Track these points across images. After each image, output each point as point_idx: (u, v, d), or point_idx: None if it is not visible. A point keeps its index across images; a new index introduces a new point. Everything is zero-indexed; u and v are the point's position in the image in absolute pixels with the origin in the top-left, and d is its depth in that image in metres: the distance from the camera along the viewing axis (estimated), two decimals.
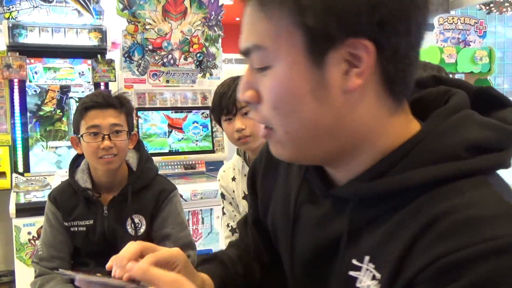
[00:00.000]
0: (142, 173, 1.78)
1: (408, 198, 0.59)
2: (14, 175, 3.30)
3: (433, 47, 4.93)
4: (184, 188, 3.08)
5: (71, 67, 3.58)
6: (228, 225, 1.91)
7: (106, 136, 1.65)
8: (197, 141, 3.80)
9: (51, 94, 3.51)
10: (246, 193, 1.82)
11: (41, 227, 2.85)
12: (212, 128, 3.86)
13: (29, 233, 2.89)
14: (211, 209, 3.41)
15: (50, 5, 3.53)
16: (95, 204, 1.74)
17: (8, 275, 3.57)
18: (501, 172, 0.63)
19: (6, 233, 3.44)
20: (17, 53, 3.37)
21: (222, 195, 1.95)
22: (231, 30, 5.92)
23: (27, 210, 2.89)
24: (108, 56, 3.70)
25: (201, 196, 3.29)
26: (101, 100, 1.67)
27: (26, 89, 3.44)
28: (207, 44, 3.85)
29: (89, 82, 3.62)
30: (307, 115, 0.60)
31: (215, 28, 3.88)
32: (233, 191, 1.89)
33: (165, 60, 3.71)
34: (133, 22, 3.60)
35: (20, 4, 3.46)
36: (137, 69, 3.62)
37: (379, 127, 0.62)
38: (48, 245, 1.75)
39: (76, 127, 1.70)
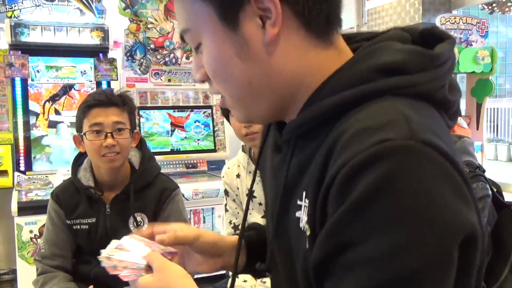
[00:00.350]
0: (145, 172, 1.78)
1: (329, 126, 0.61)
2: (16, 173, 3.31)
3: None
4: (185, 187, 3.09)
5: (73, 66, 3.59)
6: (230, 222, 1.91)
7: (108, 134, 1.65)
8: (198, 140, 3.80)
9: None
10: (250, 190, 1.85)
11: (43, 225, 2.86)
12: (214, 127, 3.86)
13: (31, 231, 2.89)
14: (212, 208, 3.42)
15: (52, 4, 3.54)
16: (97, 202, 1.74)
17: (10, 273, 3.58)
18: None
19: (8, 231, 3.45)
20: (19, 52, 3.37)
21: (226, 192, 1.94)
22: None
23: (29, 208, 2.90)
24: (110, 55, 3.70)
25: (202, 195, 3.29)
26: (103, 98, 1.67)
27: (28, 87, 3.44)
28: None
29: (91, 81, 3.62)
30: (239, 76, 0.66)
31: None
32: (237, 188, 1.89)
33: (167, 59, 3.72)
34: (135, 21, 3.60)
35: (22, 3, 3.46)
36: (139, 68, 3.62)
37: (309, 68, 0.65)
38: (50, 243, 1.75)
39: (79, 126, 1.70)
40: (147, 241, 0.88)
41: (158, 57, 3.69)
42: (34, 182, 3.24)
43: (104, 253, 0.88)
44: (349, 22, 4.41)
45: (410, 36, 0.68)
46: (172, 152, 3.68)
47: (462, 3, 5.70)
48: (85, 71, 3.61)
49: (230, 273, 1.80)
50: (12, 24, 3.37)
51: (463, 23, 5.03)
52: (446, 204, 0.54)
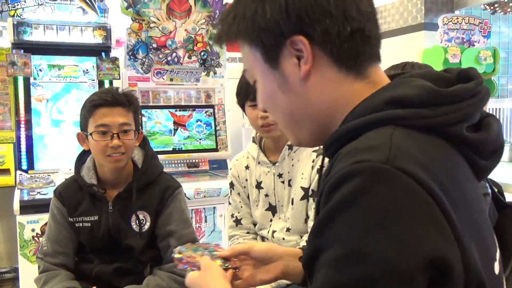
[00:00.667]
0: (147, 170, 1.79)
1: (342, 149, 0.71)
2: (18, 172, 3.31)
3: (437, 47, 4.92)
4: (187, 187, 3.08)
5: (75, 65, 3.59)
6: (232, 215, 1.92)
7: (115, 135, 1.65)
8: (200, 139, 3.81)
9: None
10: (259, 181, 1.85)
11: (45, 224, 2.87)
12: (215, 126, 3.86)
13: (33, 230, 2.90)
14: (214, 208, 3.42)
15: (55, 3, 3.54)
16: (100, 200, 1.75)
17: (12, 272, 3.59)
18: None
19: (10, 230, 3.46)
20: (22, 51, 3.38)
21: (232, 185, 1.94)
22: None
23: (31, 207, 2.90)
24: (113, 54, 3.71)
25: (204, 194, 3.29)
26: (110, 98, 1.66)
27: (31, 86, 3.45)
28: (211, 42, 3.85)
29: (94, 80, 3.62)
30: (282, 106, 0.80)
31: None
32: (246, 180, 1.89)
33: (169, 58, 3.72)
34: (137, 20, 3.60)
35: (25, 2, 3.47)
36: (141, 67, 3.62)
37: (343, 99, 0.75)
38: (53, 241, 1.75)
39: (84, 124, 1.70)
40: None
41: (160, 56, 3.69)
42: (36, 180, 3.24)
43: (180, 248, 1.14)
44: None
45: (448, 76, 0.76)
46: (174, 151, 3.68)
47: (465, 3, 5.69)
48: (87, 70, 3.62)
49: None
50: (15, 22, 3.37)
51: (466, 23, 5.02)
52: (406, 226, 0.59)
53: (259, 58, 0.78)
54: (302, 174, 1.78)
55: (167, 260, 1.76)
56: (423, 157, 0.64)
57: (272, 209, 1.83)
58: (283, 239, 1.78)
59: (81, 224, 1.75)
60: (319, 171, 1.76)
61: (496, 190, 1.66)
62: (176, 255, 1.11)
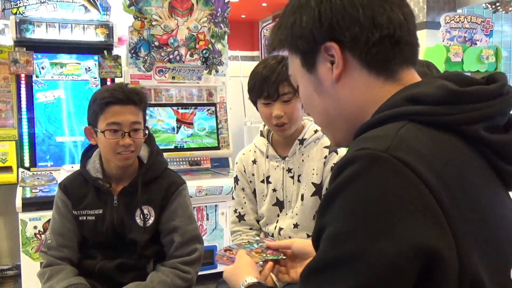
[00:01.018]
0: (153, 166, 1.79)
1: None
2: (21, 169, 3.32)
3: (439, 45, 4.91)
4: (189, 184, 3.05)
5: (77, 63, 3.60)
6: (236, 211, 1.89)
7: (126, 134, 1.66)
8: (202, 137, 3.81)
9: None
10: (267, 176, 1.82)
11: (47, 221, 2.89)
12: (217, 125, 3.86)
13: (35, 227, 2.90)
14: (215, 206, 3.42)
15: (57, 1, 3.55)
16: (105, 194, 1.75)
17: (14, 269, 3.60)
18: None
19: (12, 227, 3.47)
20: (24, 48, 3.38)
21: (236, 180, 1.91)
22: (237, 27, 5.91)
23: (33, 204, 2.91)
24: (115, 52, 3.71)
25: (206, 192, 3.30)
26: (122, 96, 1.66)
27: (33, 84, 3.45)
28: (213, 40, 3.85)
29: (96, 78, 3.63)
30: (318, 108, 0.87)
31: (221, 25, 3.88)
32: (252, 174, 1.86)
33: (171, 56, 3.72)
34: (139, 18, 3.60)
35: (27, 0, 3.47)
36: (143, 65, 3.63)
37: (373, 100, 0.79)
38: (57, 234, 1.75)
39: (94, 120, 1.70)
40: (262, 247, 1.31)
41: (162, 54, 3.69)
42: (38, 178, 3.25)
43: (231, 244, 1.33)
44: None
45: (479, 80, 0.79)
46: (176, 149, 3.69)
47: (467, 2, 5.68)
48: (89, 68, 3.62)
49: None
50: (17, 20, 3.38)
51: (468, 22, 5.01)
52: (394, 211, 0.62)
53: (298, 64, 0.86)
54: (313, 169, 1.76)
55: (170, 255, 1.76)
56: (427, 152, 0.67)
57: (280, 204, 1.81)
58: (289, 237, 1.75)
59: (85, 218, 1.75)
60: (333, 168, 1.74)
61: None
62: (221, 251, 1.29)
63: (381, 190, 0.63)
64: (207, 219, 3.41)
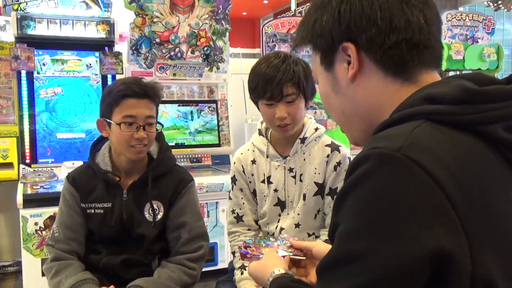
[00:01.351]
0: (162, 161, 1.79)
1: None
2: (22, 166, 3.32)
3: None
4: None
5: (78, 59, 3.59)
6: (233, 211, 1.85)
7: (141, 127, 1.66)
8: (203, 134, 3.81)
9: None
10: (268, 176, 1.78)
11: (48, 217, 2.89)
12: (218, 122, 3.86)
13: (36, 223, 2.91)
14: (216, 203, 3.43)
15: None
16: (114, 187, 1.75)
17: (15, 265, 3.61)
18: None
19: (13, 223, 3.47)
20: (25, 45, 3.38)
21: (234, 180, 1.86)
22: (238, 25, 5.91)
23: (34, 201, 2.92)
24: (116, 48, 3.71)
25: (206, 189, 3.30)
26: (138, 90, 1.66)
27: (34, 80, 3.45)
28: (214, 37, 3.85)
29: (97, 74, 3.63)
30: (335, 106, 0.88)
31: (223, 22, 3.88)
32: (252, 175, 1.82)
33: (172, 53, 3.72)
34: (140, 15, 3.60)
35: None
36: (144, 62, 3.62)
37: (389, 101, 0.80)
38: (64, 226, 1.73)
39: (107, 112, 1.70)
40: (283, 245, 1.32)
41: (164, 51, 3.69)
42: (39, 174, 3.25)
43: (246, 240, 1.36)
44: None
45: (499, 80, 0.78)
46: (177, 146, 3.69)
47: (469, 0, 5.66)
48: (90, 64, 3.62)
49: (232, 267, 1.85)
50: (18, 17, 3.37)
51: (469, 19, 5.01)
52: (404, 209, 0.63)
53: (317, 61, 0.88)
54: (316, 169, 1.73)
55: (176, 251, 1.76)
56: (442, 151, 0.67)
57: (281, 204, 1.77)
58: None
59: (93, 211, 1.74)
60: (336, 168, 1.71)
61: None
62: (241, 249, 1.31)
63: (392, 189, 0.64)
64: (208, 216, 3.42)
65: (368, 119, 0.83)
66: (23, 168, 3.30)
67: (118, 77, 3.64)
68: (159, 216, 1.75)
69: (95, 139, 1.88)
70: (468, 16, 5.02)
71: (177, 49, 3.74)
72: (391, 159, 0.65)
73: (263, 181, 1.80)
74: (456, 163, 0.66)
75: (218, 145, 3.84)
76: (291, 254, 1.29)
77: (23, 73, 3.39)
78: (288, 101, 1.63)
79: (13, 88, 3.43)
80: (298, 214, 1.74)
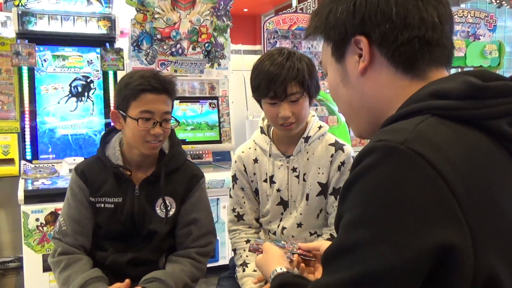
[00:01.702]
0: (174, 156, 1.77)
1: None
2: (23, 162, 3.32)
3: None
4: None
5: (79, 55, 3.59)
6: (234, 210, 1.83)
7: (157, 123, 1.64)
8: (204, 131, 3.81)
9: None
10: (271, 175, 1.74)
11: (49, 213, 2.90)
12: (219, 118, 3.86)
13: (37, 219, 2.91)
14: (217, 199, 3.43)
15: None
16: (126, 182, 1.71)
17: (16, 261, 3.61)
18: None
19: (14, 219, 3.48)
20: (26, 41, 3.38)
21: (235, 178, 1.83)
22: (239, 21, 5.89)
23: (35, 196, 2.92)
24: (117, 44, 3.70)
25: (207, 186, 3.26)
26: (157, 84, 1.63)
27: (35, 76, 3.45)
28: (215, 34, 3.84)
29: (98, 71, 3.63)
30: (343, 98, 0.89)
31: (224, 18, 3.87)
32: (254, 174, 1.78)
33: (173, 49, 3.71)
34: (142, 11, 3.60)
35: None
36: (145, 58, 3.62)
37: (397, 96, 0.80)
38: (72, 220, 1.69)
39: (125, 105, 1.65)
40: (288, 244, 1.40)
41: (165, 47, 3.68)
42: (40, 171, 3.25)
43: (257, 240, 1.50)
44: None
45: (503, 76, 0.79)
46: None
47: None
48: (91, 60, 3.62)
49: (233, 264, 1.85)
50: (20, 12, 3.37)
51: (471, 16, 4.99)
52: (407, 201, 0.63)
53: (329, 52, 0.88)
54: (319, 168, 1.70)
55: (186, 246, 1.74)
56: (447, 146, 0.67)
57: (284, 203, 1.74)
58: (292, 236, 1.73)
59: (102, 205, 1.70)
60: (340, 167, 1.69)
61: None
62: (252, 245, 1.41)
63: (396, 180, 0.64)
64: None
65: (375, 113, 0.83)
66: (24, 164, 3.31)
67: (119, 73, 3.64)
68: (171, 213, 1.73)
69: (102, 132, 1.85)
70: (470, 13, 5.00)
71: (178, 46, 3.73)
72: (396, 152, 0.66)
73: (265, 180, 1.77)
74: (461, 157, 0.67)
75: (219, 141, 3.84)
76: (301, 255, 1.32)
77: (24, 69, 3.39)
78: (292, 100, 1.59)
79: (14, 84, 3.43)
80: (301, 214, 1.72)
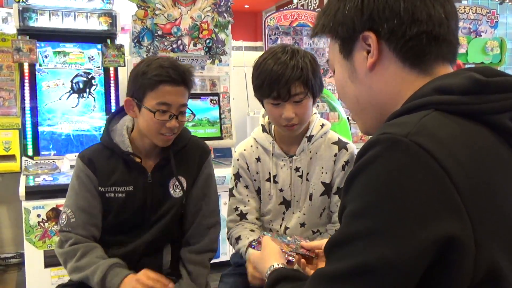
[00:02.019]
0: (180, 135, 1.72)
1: None
2: (24, 158, 3.33)
3: None
4: None
5: (80, 52, 3.59)
6: (236, 209, 1.78)
7: (174, 116, 1.60)
8: (205, 127, 3.81)
9: None
10: (273, 175, 1.71)
11: (51, 209, 2.90)
12: (220, 115, 3.86)
13: (38, 215, 2.92)
14: (218, 195, 3.41)
15: None
16: (136, 169, 1.67)
17: (17, 257, 3.62)
18: None
19: (15, 215, 3.49)
20: (27, 37, 3.37)
21: (238, 176, 1.78)
22: (241, 18, 5.87)
23: (37, 193, 2.92)
24: (118, 41, 3.70)
25: None
26: (176, 76, 1.57)
27: (36, 73, 3.45)
28: (216, 30, 3.84)
29: (99, 67, 3.62)
30: (350, 94, 0.90)
31: (225, 14, 3.86)
32: (257, 173, 1.75)
33: (174, 46, 3.71)
34: (143, 7, 3.59)
35: None
36: (146, 55, 3.61)
37: (405, 91, 0.81)
38: (82, 211, 1.63)
39: (139, 94, 1.59)
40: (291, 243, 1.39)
41: (166, 43, 3.68)
42: (41, 167, 3.26)
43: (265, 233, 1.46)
44: None
45: (506, 73, 0.79)
46: None
47: None
48: (92, 56, 3.61)
49: (235, 261, 1.85)
50: (20, 8, 3.36)
51: (473, 13, 4.98)
52: (409, 192, 0.64)
53: (336, 49, 0.89)
54: (323, 168, 1.67)
55: (198, 223, 1.75)
56: (450, 139, 0.68)
57: (286, 203, 1.72)
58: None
59: (113, 195, 1.64)
60: (344, 167, 1.68)
61: None
62: (259, 239, 1.38)
63: (399, 172, 0.66)
64: None
65: (382, 108, 0.84)
66: (25, 160, 3.31)
67: (120, 70, 3.64)
68: (183, 192, 1.71)
69: (107, 117, 1.79)
70: (472, 9, 4.99)
71: (179, 42, 3.73)
72: (399, 144, 0.67)
73: (268, 180, 1.74)
74: (463, 151, 0.68)
75: (220, 138, 3.83)
76: (303, 253, 1.33)
77: (25, 65, 3.39)
78: (295, 101, 1.54)
79: (15, 80, 3.42)
80: (304, 214, 1.71)
